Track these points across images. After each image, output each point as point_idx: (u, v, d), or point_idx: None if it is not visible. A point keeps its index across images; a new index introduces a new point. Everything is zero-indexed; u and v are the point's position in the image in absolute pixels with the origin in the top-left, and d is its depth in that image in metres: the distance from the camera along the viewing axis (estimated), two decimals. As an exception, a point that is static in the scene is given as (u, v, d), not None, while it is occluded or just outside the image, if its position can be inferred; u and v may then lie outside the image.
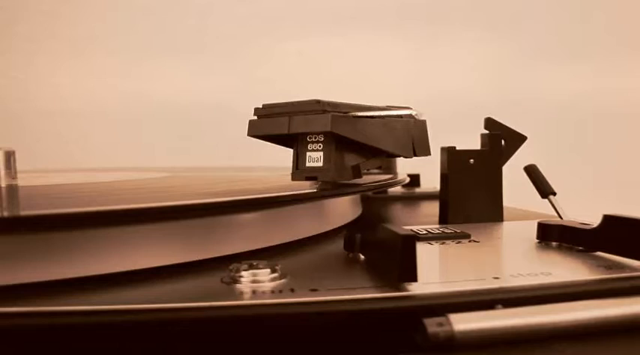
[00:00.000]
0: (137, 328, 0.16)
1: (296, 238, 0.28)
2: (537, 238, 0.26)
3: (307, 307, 0.17)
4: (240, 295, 0.18)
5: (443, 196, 0.33)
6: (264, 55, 0.73)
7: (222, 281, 0.19)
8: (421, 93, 0.73)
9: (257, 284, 0.19)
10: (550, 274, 0.20)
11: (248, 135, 0.30)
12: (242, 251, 0.24)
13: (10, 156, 0.34)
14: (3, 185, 0.34)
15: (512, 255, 0.24)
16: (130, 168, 0.57)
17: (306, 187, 0.29)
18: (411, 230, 0.28)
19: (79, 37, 0.70)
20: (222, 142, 0.69)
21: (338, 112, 0.27)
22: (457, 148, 0.32)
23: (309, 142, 0.29)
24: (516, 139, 0.33)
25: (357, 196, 0.38)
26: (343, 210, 0.34)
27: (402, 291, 0.18)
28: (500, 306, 0.17)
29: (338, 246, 0.25)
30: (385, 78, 0.75)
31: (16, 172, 0.35)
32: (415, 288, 0.18)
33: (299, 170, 0.29)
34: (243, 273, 0.19)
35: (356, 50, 0.76)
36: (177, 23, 0.72)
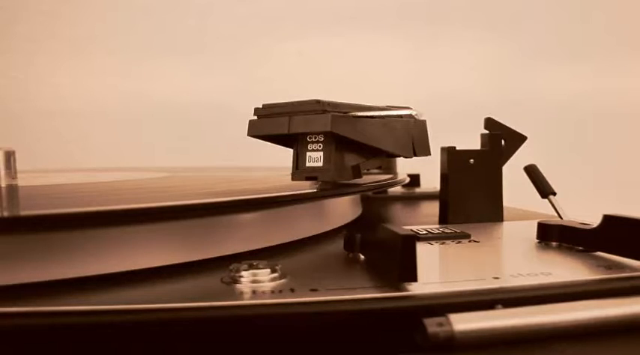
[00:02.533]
0: (137, 328, 0.16)
1: (296, 238, 0.28)
2: (537, 238, 0.26)
3: (307, 307, 0.17)
4: (240, 295, 0.18)
5: (443, 196, 0.33)
6: (264, 55, 0.73)
7: (222, 281, 0.19)
8: (421, 93, 0.73)
9: (257, 284, 0.19)
10: (550, 274, 0.20)
11: (248, 135, 0.30)
12: (242, 251, 0.24)
13: (10, 156, 0.34)
14: (3, 185, 0.34)
15: (512, 255, 0.24)
16: (130, 168, 0.57)
17: (306, 187, 0.29)
18: (411, 230, 0.28)
19: (79, 37, 0.69)
20: (222, 142, 0.69)
21: (338, 112, 0.27)
22: (457, 148, 0.32)
23: (309, 142, 0.29)
24: (516, 139, 0.33)
25: (357, 196, 0.38)
26: (343, 210, 0.34)
27: (402, 291, 0.18)
28: (500, 306, 0.17)
29: (338, 246, 0.25)
30: (385, 78, 0.75)
31: (16, 172, 0.35)
32: (415, 288, 0.18)
33: (299, 170, 0.29)
34: (243, 273, 0.19)
35: (356, 50, 0.76)
36: (177, 23, 0.72)
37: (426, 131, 0.31)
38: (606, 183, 0.77)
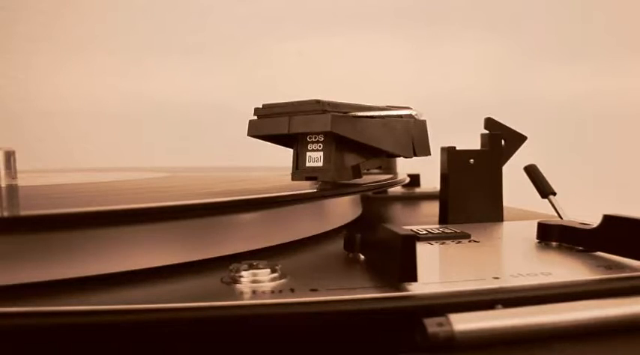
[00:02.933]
0: (137, 328, 0.16)
1: (296, 238, 0.28)
2: (537, 238, 0.26)
3: (307, 307, 0.17)
4: (240, 295, 0.18)
5: (443, 196, 0.33)
6: (264, 55, 0.73)
7: (222, 281, 0.19)
8: (421, 93, 0.73)
9: (257, 284, 0.19)
10: (550, 274, 0.20)
11: (248, 135, 0.30)
12: (242, 251, 0.24)
13: (10, 156, 0.34)
14: (3, 185, 0.34)
15: (512, 255, 0.24)
16: (130, 168, 0.57)
17: (306, 187, 0.29)
18: (411, 230, 0.28)
19: (79, 37, 0.70)
20: (221, 142, 0.69)
21: (338, 112, 0.27)
22: (457, 148, 0.32)
23: (309, 142, 0.29)
24: (516, 139, 0.33)
25: (357, 196, 0.38)
26: (343, 210, 0.34)
27: (402, 291, 0.18)
28: (500, 306, 0.17)
29: (338, 246, 0.25)
30: (385, 78, 0.75)
31: (16, 172, 0.35)
32: (415, 288, 0.18)
33: (299, 170, 0.29)
34: (243, 273, 0.19)
35: (356, 50, 0.76)
36: (177, 23, 0.72)
37: (426, 131, 0.31)
38: (606, 183, 0.77)
